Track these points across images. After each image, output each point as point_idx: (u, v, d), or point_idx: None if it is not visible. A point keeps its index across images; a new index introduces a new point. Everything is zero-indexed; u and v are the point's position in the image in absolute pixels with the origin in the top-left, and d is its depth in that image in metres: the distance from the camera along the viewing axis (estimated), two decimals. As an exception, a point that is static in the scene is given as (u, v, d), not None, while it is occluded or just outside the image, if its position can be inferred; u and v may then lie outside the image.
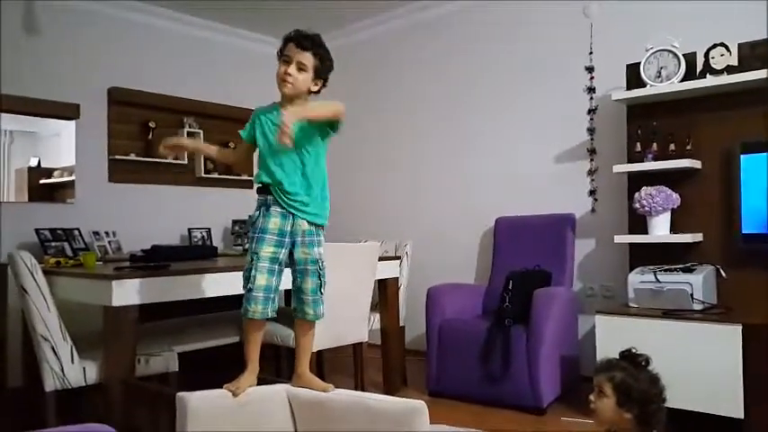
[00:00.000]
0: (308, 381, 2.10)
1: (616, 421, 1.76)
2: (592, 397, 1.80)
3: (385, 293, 3.60)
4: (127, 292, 2.44)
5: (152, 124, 4.58)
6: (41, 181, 4.15)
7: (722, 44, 3.15)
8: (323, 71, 2.14)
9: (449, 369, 3.56)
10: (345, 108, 2.12)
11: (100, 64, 4.40)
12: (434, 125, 4.75)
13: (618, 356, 1.84)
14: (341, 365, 3.83)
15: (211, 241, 4.83)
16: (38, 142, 4.18)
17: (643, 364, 1.79)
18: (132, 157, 4.46)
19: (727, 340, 2.75)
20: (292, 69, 2.07)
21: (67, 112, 4.20)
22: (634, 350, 1.82)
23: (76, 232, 4.02)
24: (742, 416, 2.70)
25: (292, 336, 2.42)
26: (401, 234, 4.51)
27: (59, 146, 4.25)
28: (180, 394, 1.89)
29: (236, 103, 4.82)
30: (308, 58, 2.09)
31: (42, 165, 4.17)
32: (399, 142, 4.98)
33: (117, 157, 4.40)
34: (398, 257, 3.80)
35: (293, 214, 2.09)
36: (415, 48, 4.88)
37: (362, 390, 3.25)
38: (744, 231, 3.04)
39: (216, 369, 2.58)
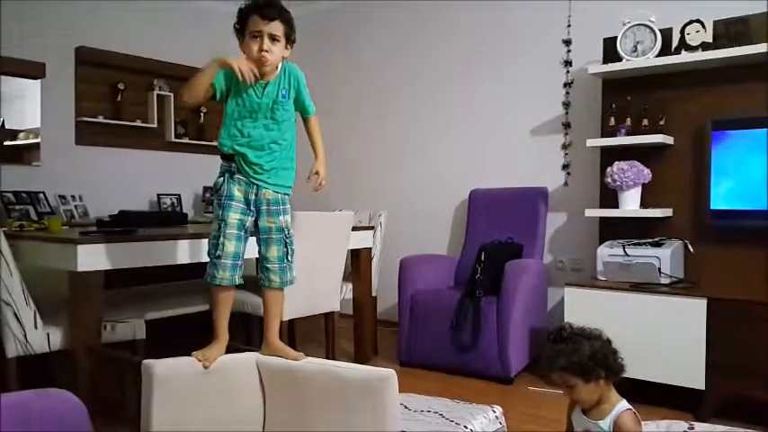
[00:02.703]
0: (278, 349, 2.08)
1: (600, 395, 1.73)
2: (564, 392, 1.76)
3: (358, 263, 3.59)
4: (92, 257, 2.38)
5: (121, 86, 4.46)
6: (5, 143, 4.02)
7: (698, 20, 3.15)
8: (292, 34, 2.05)
9: (420, 339, 3.59)
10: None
11: (67, 22, 4.24)
12: (410, 96, 4.71)
13: (548, 341, 1.76)
14: (312, 335, 3.84)
15: (181, 208, 4.76)
16: (1, 102, 4.03)
17: (566, 335, 1.72)
18: (100, 119, 4.34)
19: (692, 314, 2.81)
20: (267, 44, 1.96)
21: (33, 71, 4.06)
22: (553, 328, 1.76)
23: (41, 196, 3.92)
24: (703, 387, 2.79)
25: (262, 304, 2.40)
26: (375, 204, 4.49)
27: (24, 107, 4.11)
28: (146, 361, 1.86)
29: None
30: (277, 27, 1.98)
31: (6, 126, 4.03)
32: (375, 113, 4.93)
33: (84, 119, 4.28)
34: (372, 228, 3.79)
35: (257, 185, 2.05)
36: (390, 18, 4.80)
37: (333, 359, 3.26)
38: (712, 207, 3.08)
39: (184, 337, 2.55)
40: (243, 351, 2.14)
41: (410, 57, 4.71)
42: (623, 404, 1.73)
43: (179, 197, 4.77)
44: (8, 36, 3.94)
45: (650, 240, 3.21)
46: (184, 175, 4.91)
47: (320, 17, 5.18)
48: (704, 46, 3.13)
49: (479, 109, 4.34)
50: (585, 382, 1.69)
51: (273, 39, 1.97)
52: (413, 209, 4.65)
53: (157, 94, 4.67)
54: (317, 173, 2.18)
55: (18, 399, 1.09)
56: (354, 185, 4.97)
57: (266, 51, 1.96)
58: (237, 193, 2.04)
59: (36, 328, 2.49)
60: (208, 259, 2.08)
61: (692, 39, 3.16)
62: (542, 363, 1.78)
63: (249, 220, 2.07)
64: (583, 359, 1.67)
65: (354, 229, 3.36)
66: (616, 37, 3.35)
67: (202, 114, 5.01)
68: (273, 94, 2.04)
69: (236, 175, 2.05)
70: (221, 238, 2.02)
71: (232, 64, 1.92)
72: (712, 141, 3.08)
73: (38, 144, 4.12)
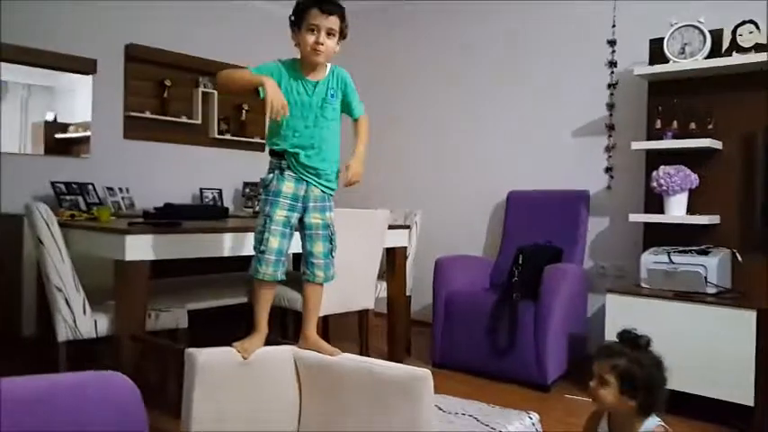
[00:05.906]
0: (316, 344, 2.11)
1: (618, 407, 1.67)
2: (592, 384, 1.70)
3: (393, 262, 3.58)
4: (140, 247, 2.45)
5: (167, 82, 4.56)
6: (57, 135, 4.16)
7: (751, 21, 3.06)
8: (346, 28, 2.10)
9: (454, 341, 3.57)
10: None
11: (118, 20, 4.37)
12: (450, 94, 4.69)
13: (617, 338, 1.70)
14: (346, 332, 3.85)
15: (222, 202, 4.84)
16: (54, 97, 4.17)
17: (642, 343, 1.66)
18: (147, 114, 4.46)
19: (740, 325, 2.72)
20: (323, 38, 2.01)
21: (85, 66, 4.19)
22: (634, 331, 1.69)
23: (90, 187, 4.04)
24: (752, 403, 2.68)
25: (299, 299, 2.42)
26: (411, 203, 4.49)
27: (75, 101, 4.25)
28: (189, 350, 1.90)
29: (253, 65, 4.77)
30: (335, 23, 2.03)
31: (58, 120, 4.17)
32: (413, 112, 4.93)
33: (132, 113, 4.40)
34: (408, 226, 3.78)
35: (307, 181, 2.09)
36: (432, 19, 4.79)
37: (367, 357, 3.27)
38: (764, 215, 2.98)
39: (224, 328, 2.60)
40: (280, 344, 2.17)
41: (451, 56, 4.69)
42: (653, 420, 1.66)
43: (220, 191, 4.86)
44: (63, 33, 4.08)
45: (696, 248, 3.12)
46: (226, 170, 5.00)
47: (362, 17, 5.20)
48: (757, 47, 3.04)
49: (520, 109, 4.30)
50: (621, 391, 1.64)
51: (330, 33, 2.03)
52: (449, 209, 4.63)
53: (202, 92, 4.77)
54: (347, 167, 2.12)
55: (77, 379, 1.11)
56: (391, 184, 4.97)
57: (321, 44, 2.01)
58: (287, 189, 2.07)
59: (85, 314, 2.58)
60: (252, 253, 2.12)
61: (745, 40, 3.07)
62: (600, 348, 1.73)
63: (295, 217, 2.10)
64: (638, 375, 1.62)
65: (390, 227, 3.36)
66: (663, 38, 3.28)
67: (244, 111, 5.09)
68: (323, 92, 2.09)
69: (287, 172, 2.08)
70: (266, 234, 2.05)
71: (267, 93, 1.95)
72: (764, 147, 2.98)
73: (88, 137, 4.25)
